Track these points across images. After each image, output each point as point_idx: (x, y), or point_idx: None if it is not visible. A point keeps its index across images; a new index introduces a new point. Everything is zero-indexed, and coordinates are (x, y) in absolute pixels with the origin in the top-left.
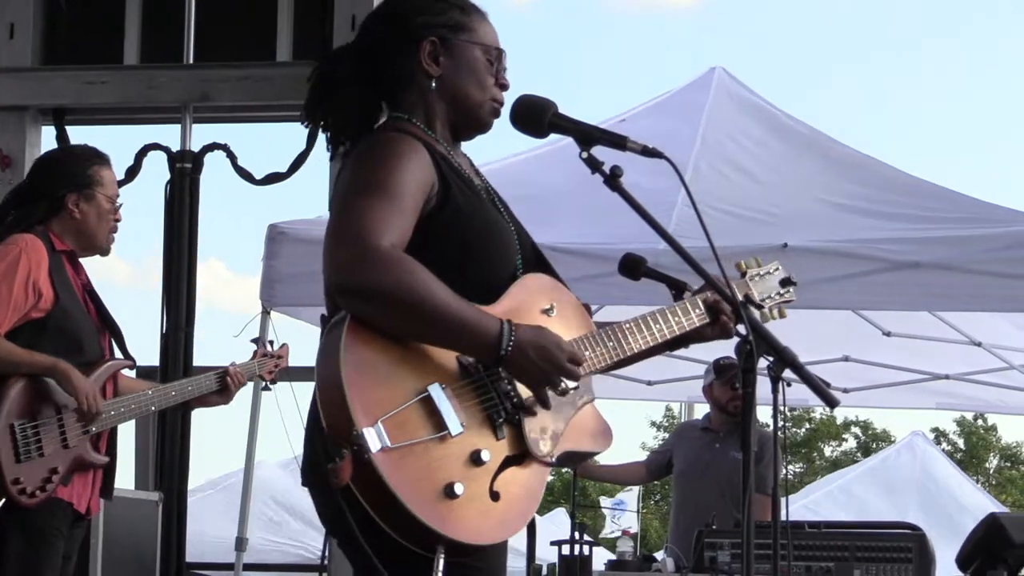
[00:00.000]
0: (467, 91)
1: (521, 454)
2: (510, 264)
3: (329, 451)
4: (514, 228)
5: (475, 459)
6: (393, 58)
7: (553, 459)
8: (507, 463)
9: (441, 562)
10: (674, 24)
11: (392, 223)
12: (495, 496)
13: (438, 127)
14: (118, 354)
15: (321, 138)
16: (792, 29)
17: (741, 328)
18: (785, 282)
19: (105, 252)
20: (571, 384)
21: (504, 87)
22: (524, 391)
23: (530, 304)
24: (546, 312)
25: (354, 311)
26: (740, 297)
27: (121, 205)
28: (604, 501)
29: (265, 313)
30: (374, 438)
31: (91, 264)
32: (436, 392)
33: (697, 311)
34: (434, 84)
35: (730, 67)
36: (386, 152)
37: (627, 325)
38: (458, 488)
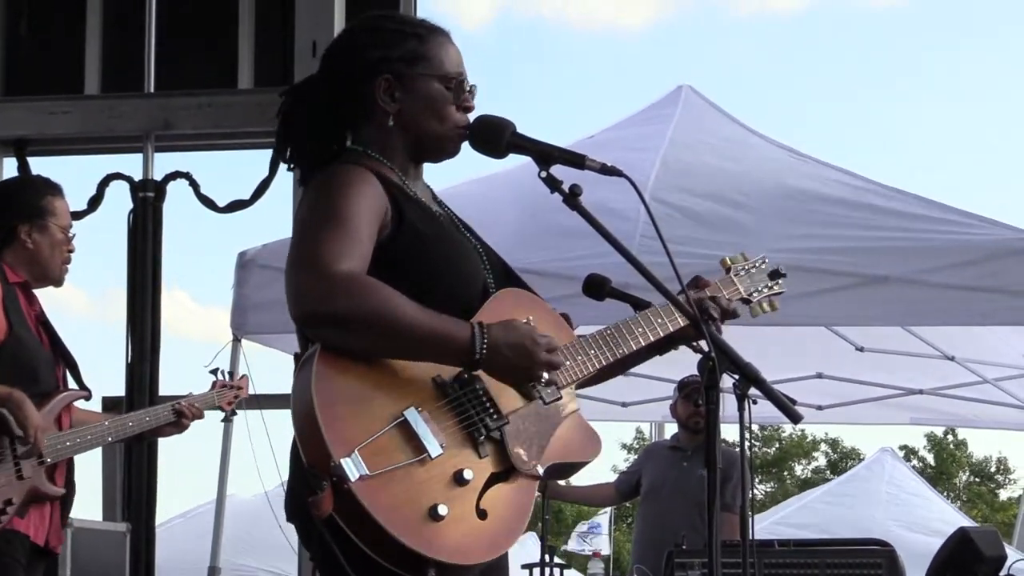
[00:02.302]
0: (426, 125)
1: (506, 470)
2: (479, 282)
3: (310, 484)
4: (481, 248)
5: (458, 479)
6: (351, 92)
7: (540, 472)
8: (493, 480)
9: None
10: (631, 45)
11: (349, 249)
12: (482, 514)
13: (397, 158)
14: (73, 385)
15: (283, 165)
16: (748, 47)
17: (704, 344)
18: (774, 274)
19: (58, 283)
20: (556, 375)
21: (468, 110)
22: (504, 405)
23: (508, 318)
24: None
25: (324, 340)
26: (734, 295)
27: (74, 236)
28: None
29: (236, 341)
30: (352, 468)
31: (50, 295)
32: (412, 416)
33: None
34: (391, 121)
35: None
36: (336, 182)
37: (608, 331)
38: (442, 510)
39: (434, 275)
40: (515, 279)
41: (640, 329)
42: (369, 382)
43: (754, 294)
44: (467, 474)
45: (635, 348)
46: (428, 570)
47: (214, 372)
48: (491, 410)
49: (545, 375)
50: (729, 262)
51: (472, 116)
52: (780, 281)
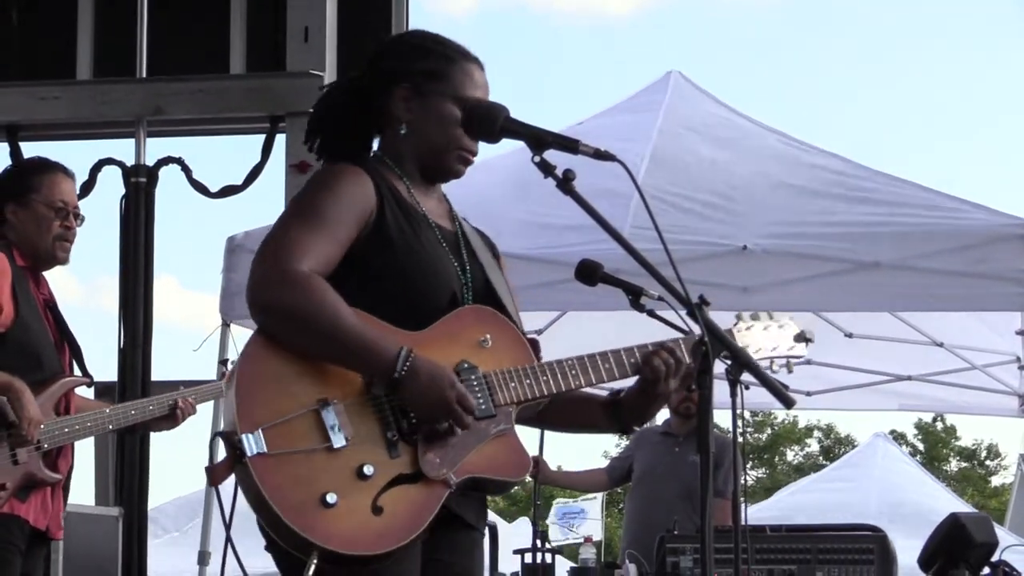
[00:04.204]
0: (432, 140)
1: (416, 473)
2: (447, 294)
3: (213, 450)
4: (468, 267)
5: (359, 473)
6: (375, 97)
7: (453, 483)
8: (400, 480)
9: (312, 568)
10: (616, 32)
11: (315, 248)
12: (377, 510)
13: (407, 167)
14: (77, 371)
15: (276, 149)
16: (729, 34)
17: (697, 329)
18: (799, 337)
19: (53, 260)
20: (457, 428)
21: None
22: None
23: (464, 333)
24: (480, 343)
25: (262, 326)
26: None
27: (73, 213)
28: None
29: (225, 326)
30: (251, 444)
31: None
32: (326, 408)
33: (631, 360)
34: (403, 129)
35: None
36: (326, 180)
37: (569, 362)
38: (331, 498)
39: (392, 278)
40: (495, 301)
41: (607, 365)
42: (297, 368)
43: (773, 351)
44: (367, 469)
45: (593, 382)
46: (312, 553)
47: (224, 363)
48: (411, 413)
49: (446, 425)
50: (743, 318)
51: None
52: (804, 345)
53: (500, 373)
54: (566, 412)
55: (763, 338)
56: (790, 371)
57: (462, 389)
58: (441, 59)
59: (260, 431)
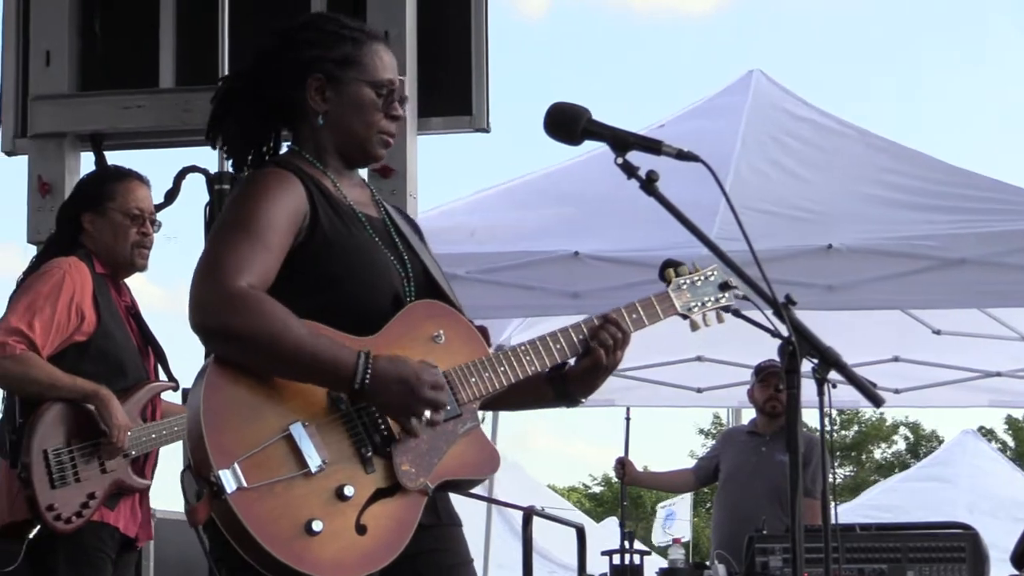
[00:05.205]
0: (352, 128)
1: (393, 486)
2: (388, 292)
3: (196, 490)
4: (406, 257)
5: (339, 494)
6: (284, 88)
7: (429, 490)
8: (378, 495)
9: None
10: (695, 30)
11: (253, 262)
12: (361, 530)
13: (328, 159)
14: (162, 376)
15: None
16: (816, 29)
17: (783, 329)
18: (724, 286)
19: (134, 267)
20: (438, 416)
21: (395, 119)
22: (395, 423)
23: (416, 332)
24: (434, 339)
25: (214, 351)
26: (661, 312)
27: (150, 219)
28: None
29: None
30: (230, 479)
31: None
32: (297, 430)
33: (580, 336)
34: (321, 120)
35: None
36: (255, 189)
37: (522, 347)
38: (316, 525)
39: (333, 284)
40: (437, 290)
41: (558, 346)
42: (260, 393)
43: (694, 308)
44: (348, 490)
45: (548, 364)
46: None
47: None
48: (382, 426)
49: (427, 413)
50: (672, 275)
51: (390, 120)
52: (728, 294)
53: (459, 370)
54: (514, 393)
55: (688, 295)
56: (720, 321)
57: (432, 376)
58: (350, 43)
59: (236, 465)
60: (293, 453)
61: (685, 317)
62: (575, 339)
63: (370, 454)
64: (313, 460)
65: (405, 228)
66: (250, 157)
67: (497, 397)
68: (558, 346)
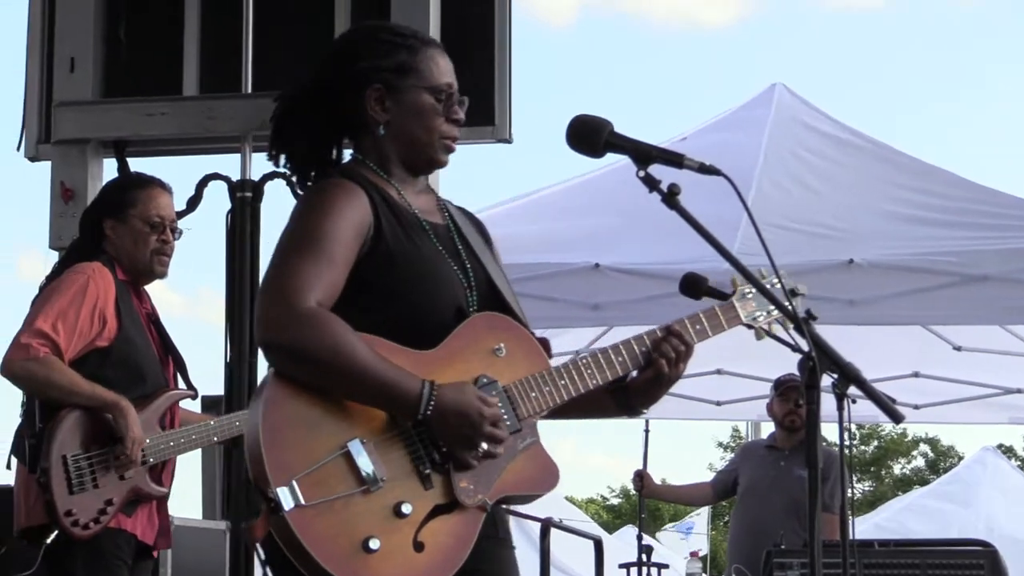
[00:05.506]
0: (415, 135)
1: (452, 502)
2: (453, 303)
3: (245, 507)
4: (469, 266)
5: (397, 512)
6: (344, 101)
7: (488, 506)
8: (437, 511)
9: None
10: (716, 42)
11: (319, 278)
12: (419, 547)
13: (392, 168)
14: (181, 384)
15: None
16: (835, 42)
17: (803, 343)
18: (792, 293)
19: (154, 274)
20: (497, 450)
21: (457, 123)
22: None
23: (477, 345)
24: (495, 352)
25: (279, 368)
26: (725, 323)
27: (171, 227)
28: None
29: None
30: (287, 497)
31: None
32: (356, 447)
33: (642, 348)
34: (382, 130)
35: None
36: (320, 201)
37: (583, 361)
38: (374, 543)
39: (397, 296)
40: (499, 299)
41: (620, 359)
42: (319, 409)
43: (759, 317)
44: (405, 508)
45: (609, 378)
46: None
47: None
48: (441, 443)
49: (484, 446)
50: (737, 283)
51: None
52: (797, 301)
53: (520, 384)
54: (576, 404)
55: (754, 305)
56: (786, 329)
57: (493, 411)
58: (405, 51)
59: (295, 482)
60: (351, 470)
61: (750, 327)
62: (637, 351)
63: (428, 471)
64: (372, 478)
65: (470, 233)
66: (313, 172)
67: (559, 408)
68: (620, 359)
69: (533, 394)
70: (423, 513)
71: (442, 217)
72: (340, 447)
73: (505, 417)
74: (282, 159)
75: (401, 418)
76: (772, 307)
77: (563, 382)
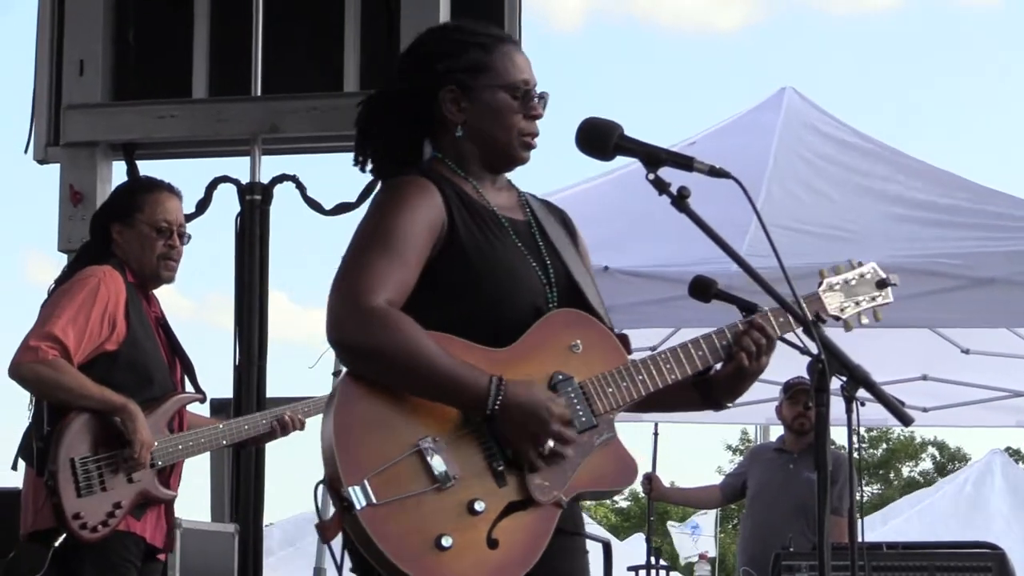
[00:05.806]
0: (493, 134)
1: (527, 499)
2: (530, 301)
3: (332, 502)
4: (548, 263)
5: (470, 509)
6: (422, 102)
7: (564, 503)
8: (511, 508)
9: None
10: (724, 46)
11: (390, 277)
12: (493, 544)
13: (471, 167)
14: (189, 388)
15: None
16: (844, 46)
17: (813, 347)
18: (882, 283)
19: (161, 279)
20: (564, 450)
21: (536, 118)
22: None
23: (553, 342)
24: (571, 349)
25: (349, 366)
26: (810, 314)
27: (179, 232)
28: (674, 526)
29: None
30: (359, 496)
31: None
32: (427, 445)
33: (723, 342)
34: (460, 131)
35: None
36: (392, 198)
37: (662, 355)
38: (446, 541)
39: (471, 294)
40: (579, 296)
41: (700, 352)
42: (391, 408)
43: (847, 308)
44: (479, 505)
45: (685, 374)
46: None
47: (336, 375)
48: (508, 439)
49: (551, 443)
50: (824, 274)
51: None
52: (887, 291)
53: (596, 380)
54: (658, 397)
55: (842, 296)
56: (877, 319)
57: (562, 410)
58: (479, 49)
59: (366, 481)
60: (423, 468)
61: (837, 319)
62: (718, 345)
63: (502, 468)
64: (444, 475)
65: (552, 228)
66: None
67: (640, 403)
68: (700, 353)
69: (610, 390)
70: (497, 510)
71: (523, 213)
72: (412, 445)
73: (580, 414)
74: (368, 164)
75: (472, 415)
76: (862, 297)
77: (641, 377)
